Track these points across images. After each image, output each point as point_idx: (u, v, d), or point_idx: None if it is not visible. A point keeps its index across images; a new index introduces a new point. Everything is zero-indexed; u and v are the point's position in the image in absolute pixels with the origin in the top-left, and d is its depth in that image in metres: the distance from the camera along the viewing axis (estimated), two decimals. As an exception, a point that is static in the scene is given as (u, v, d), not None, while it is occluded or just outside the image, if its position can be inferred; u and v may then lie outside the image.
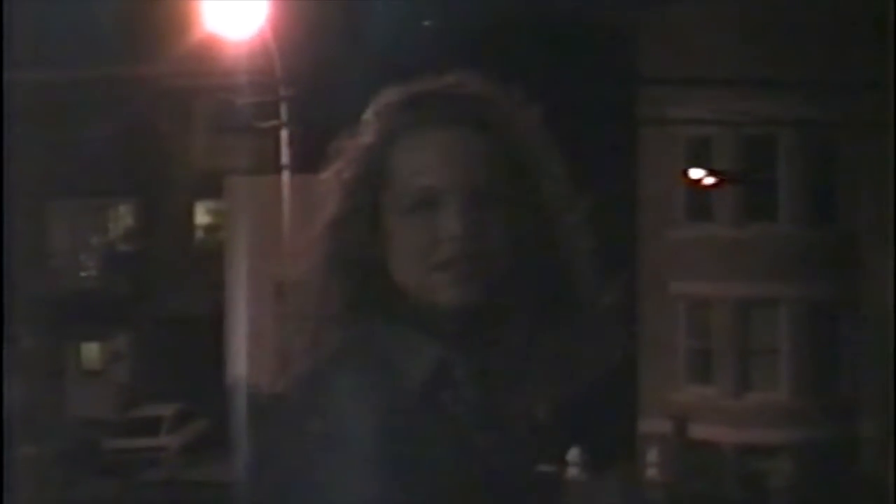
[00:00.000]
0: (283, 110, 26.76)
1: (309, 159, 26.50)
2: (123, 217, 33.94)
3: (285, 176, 26.78)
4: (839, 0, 25.14)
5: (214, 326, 30.44)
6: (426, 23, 31.59)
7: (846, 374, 25.46)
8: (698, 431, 24.46)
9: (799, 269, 25.22)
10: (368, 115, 1.81)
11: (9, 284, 27.41)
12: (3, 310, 27.40)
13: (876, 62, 23.96)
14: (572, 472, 21.98)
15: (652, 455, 24.71)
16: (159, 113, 31.43)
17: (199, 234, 33.75)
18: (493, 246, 1.74)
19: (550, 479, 1.77)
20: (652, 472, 24.58)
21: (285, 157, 26.87)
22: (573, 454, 22.18)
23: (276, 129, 26.93)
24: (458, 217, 1.72)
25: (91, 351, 33.30)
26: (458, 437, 1.72)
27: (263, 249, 28.29)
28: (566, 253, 1.80)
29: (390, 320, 1.76)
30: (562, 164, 1.83)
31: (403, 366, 1.74)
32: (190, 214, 33.67)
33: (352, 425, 1.70)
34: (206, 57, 27.25)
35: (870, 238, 25.45)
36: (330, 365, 1.76)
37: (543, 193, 1.80)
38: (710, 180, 24.93)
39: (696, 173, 24.94)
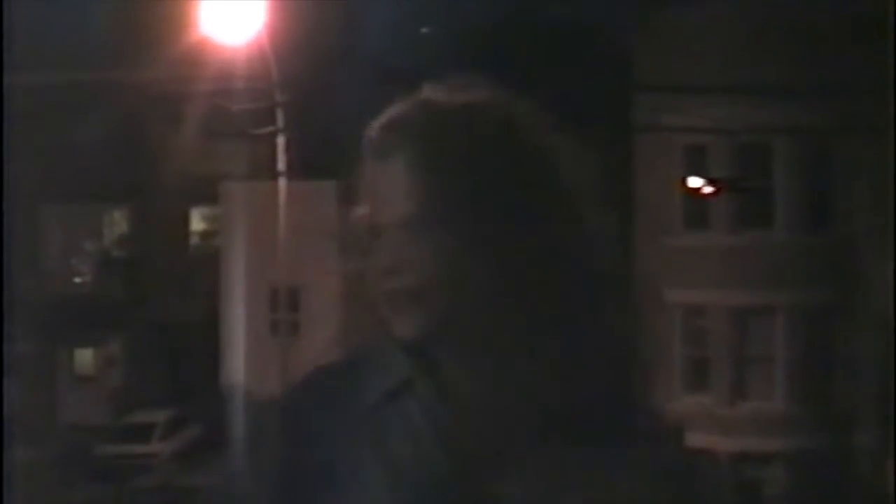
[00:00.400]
0: (279, 116, 26.76)
1: (305, 165, 26.51)
2: (118, 222, 33.92)
3: (281, 182, 26.79)
4: (834, 5, 25.15)
5: (209, 332, 30.43)
6: (424, 30, 31.59)
7: (842, 382, 25.44)
8: (694, 440, 24.44)
9: (795, 276, 25.22)
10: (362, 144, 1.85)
11: (7, 286, 27.40)
12: (3, 311, 27.41)
13: (871, 67, 23.98)
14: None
15: (647, 463, 24.69)
16: (154, 118, 31.42)
17: (194, 239, 33.74)
18: (438, 275, 1.72)
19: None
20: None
21: (281, 163, 26.88)
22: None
23: (272, 135, 26.95)
24: (391, 251, 1.73)
25: (85, 356, 33.26)
26: (421, 451, 1.75)
27: (259, 255, 28.29)
28: (514, 270, 1.78)
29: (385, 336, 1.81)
30: (545, 170, 1.79)
31: (376, 376, 1.80)
32: (185, 220, 33.66)
33: (326, 429, 1.79)
34: (201, 62, 27.25)
35: (866, 245, 25.45)
36: (323, 372, 1.85)
37: (502, 211, 1.76)
38: (708, 189, 24.95)
39: (694, 182, 24.96)
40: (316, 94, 22.67)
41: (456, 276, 1.73)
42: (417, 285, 1.73)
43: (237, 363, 29.03)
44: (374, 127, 1.82)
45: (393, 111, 1.82)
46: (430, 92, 1.81)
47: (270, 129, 26.83)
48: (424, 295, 1.73)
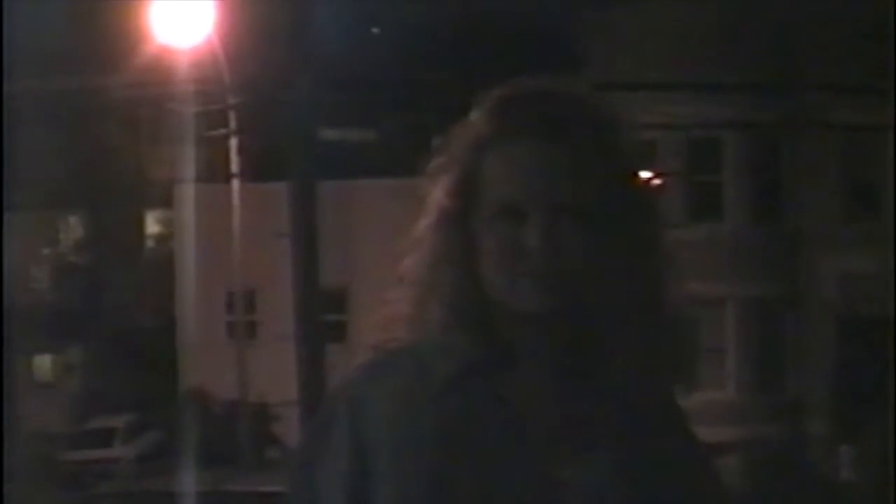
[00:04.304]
0: (232, 118, 26.79)
1: (258, 167, 26.40)
2: (73, 228, 33.86)
3: (235, 184, 26.82)
4: (782, 3, 25.43)
5: (166, 336, 30.43)
6: (375, 30, 31.70)
7: (792, 372, 25.75)
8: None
9: (744, 268, 25.48)
10: (477, 112, 1.83)
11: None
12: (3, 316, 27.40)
13: (819, 64, 24.27)
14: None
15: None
16: (108, 123, 31.39)
17: (150, 243, 33.72)
18: (574, 258, 1.77)
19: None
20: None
21: (234, 166, 26.90)
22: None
23: (226, 138, 26.96)
24: (539, 232, 1.75)
25: (43, 363, 33.19)
26: (488, 434, 1.79)
27: (214, 258, 28.30)
28: (648, 262, 1.85)
29: (467, 323, 1.82)
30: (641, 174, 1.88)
31: (440, 362, 1.82)
32: (140, 224, 33.64)
33: (390, 414, 1.80)
34: (154, 66, 27.24)
35: (815, 238, 25.75)
36: (384, 359, 1.86)
37: (631, 203, 1.83)
38: (656, 182, 25.16)
39: (642, 175, 25.15)
40: (268, 96, 22.71)
41: (592, 263, 1.78)
42: (566, 264, 1.76)
43: (195, 366, 29.06)
44: (510, 98, 1.81)
45: (530, 94, 1.82)
46: (546, 82, 1.85)
47: (223, 131, 26.85)
48: (563, 277, 1.76)
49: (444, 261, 1.82)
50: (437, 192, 1.83)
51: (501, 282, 1.78)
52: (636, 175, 1.87)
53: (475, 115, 1.83)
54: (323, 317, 16.50)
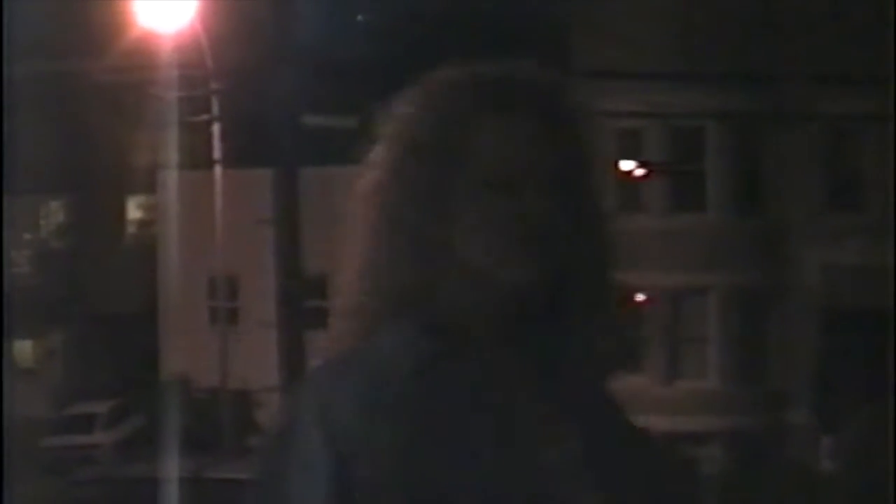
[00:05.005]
0: (215, 104, 26.73)
1: (241, 153, 26.35)
2: (55, 213, 33.78)
3: (217, 170, 26.78)
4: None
5: (148, 322, 30.38)
6: (359, 17, 31.65)
7: (774, 362, 25.82)
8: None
9: (728, 258, 25.53)
10: (418, 90, 1.84)
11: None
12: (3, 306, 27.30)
13: (803, 54, 24.30)
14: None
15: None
16: (90, 108, 31.29)
17: (132, 229, 33.66)
18: (559, 229, 1.79)
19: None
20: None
21: (217, 152, 26.86)
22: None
23: (208, 124, 26.92)
24: (531, 198, 1.77)
25: (24, 349, 33.12)
26: (458, 420, 1.78)
27: (196, 244, 28.26)
28: (603, 248, 1.89)
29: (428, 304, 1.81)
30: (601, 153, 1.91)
31: (400, 355, 1.79)
32: (122, 210, 33.57)
33: (356, 411, 1.77)
34: (137, 52, 27.17)
35: (798, 228, 25.80)
36: (342, 359, 1.83)
37: (594, 182, 1.85)
38: (640, 172, 25.18)
39: (626, 165, 25.17)
40: (250, 82, 22.66)
41: (568, 234, 1.80)
42: (554, 233, 1.77)
43: (177, 352, 29.03)
44: (471, 79, 1.85)
45: (485, 70, 1.88)
46: (515, 66, 1.91)
47: (206, 117, 26.81)
48: (551, 242, 1.78)
49: (414, 241, 1.81)
50: (387, 170, 1.85)
51: (488, 252, 1.77)
52: (593, 150, 1.88)
53: (431, 90, 1.84)
54: (305, 303, 16.46)
